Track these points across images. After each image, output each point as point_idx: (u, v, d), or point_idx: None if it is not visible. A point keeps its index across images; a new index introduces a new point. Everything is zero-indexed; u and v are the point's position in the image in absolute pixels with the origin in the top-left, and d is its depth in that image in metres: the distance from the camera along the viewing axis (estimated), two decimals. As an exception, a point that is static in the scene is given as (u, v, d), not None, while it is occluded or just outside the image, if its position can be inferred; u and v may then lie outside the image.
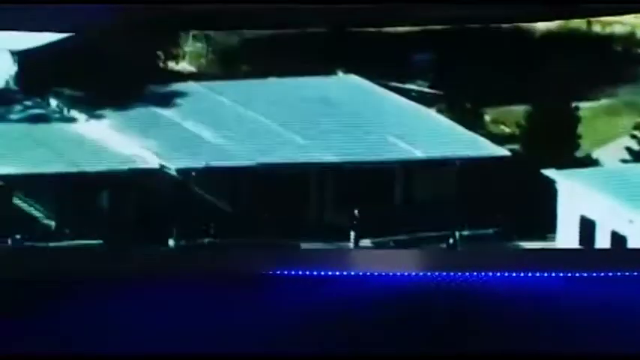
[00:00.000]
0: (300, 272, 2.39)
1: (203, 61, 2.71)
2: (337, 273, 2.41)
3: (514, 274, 2.35)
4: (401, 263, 2.41)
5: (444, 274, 2.35)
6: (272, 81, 2.70)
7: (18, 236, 2.67)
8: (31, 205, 2.69)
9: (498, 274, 2.36)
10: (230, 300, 2.29)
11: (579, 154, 2.58)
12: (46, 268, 2.46)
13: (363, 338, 2.20)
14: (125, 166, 2.67)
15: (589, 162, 2.57)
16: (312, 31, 2.61)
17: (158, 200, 2.65)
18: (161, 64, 2.72)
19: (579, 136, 2.59)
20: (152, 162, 2.66)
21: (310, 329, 2.22)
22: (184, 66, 2.71)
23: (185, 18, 2.55)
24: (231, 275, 2.34)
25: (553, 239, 2.53)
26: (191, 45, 2.70)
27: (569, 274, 2.37)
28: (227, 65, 2.71)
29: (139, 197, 2.67)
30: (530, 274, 2.35)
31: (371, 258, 2.49)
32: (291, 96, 2.71)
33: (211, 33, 2.67)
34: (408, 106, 2.67)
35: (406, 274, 2.37)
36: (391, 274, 2.37)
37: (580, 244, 2.52)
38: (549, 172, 2.54)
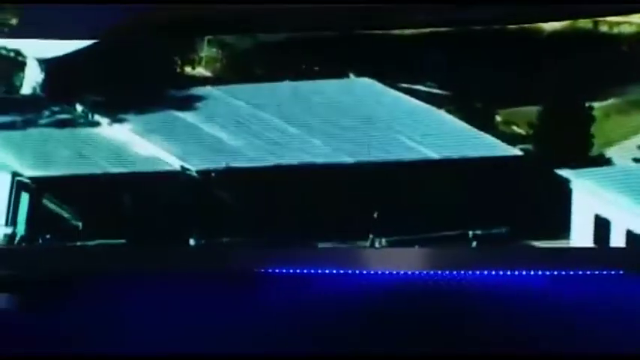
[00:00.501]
0: (302, 271, 2.42)
1: (218, 65, 2.76)
2: (339, 272, 2.41)
3: (516, 273, 2.34)
4: (401, 262, 2.42)
5: (445, 273, 2.36)
6: (286, 84, 2.74)
7: (48, 236, 2.77)
8: (59, 206, 2.77)
9: (499, 273, 2.36)
10: (229, 299, 2.33)
11: (591, 153, 2.54)
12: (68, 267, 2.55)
13: (363, 337, 2.21)
14: (148, 168, 2.75)
15: (601, 161, 2.54)
16: (323, 34, 2.65)
17: (180, 201, 2.72)
18: (178, 69, 2.78)
19: (591, 136, 2.56)
20: (173, 164, 2.74)
21: (310, 329, 2.24)
22: (200, 71, 2.76)
23: (199, 22, 2.61)
24: (231, 274, 2.39)
25: (567, 238, 2.51)
26: (206, 50, 2.76)
27: (571, 273, 2.35)
28: (242, 69, 2.74)
29: (161, 198, 2.73)
30: (531, 273, 2.34)
31: (374, 257, 2.49)
32: (306, 99, 2.74)
33: (226, 38, 2.73)
34: (420, 108, 2.66)
35: (404, 272, 2.38)
36: (391, 272, 2.38)
37: (594, 243, 2.50)
38: (562, 172, 2.52)
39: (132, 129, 2.71)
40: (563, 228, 2.49)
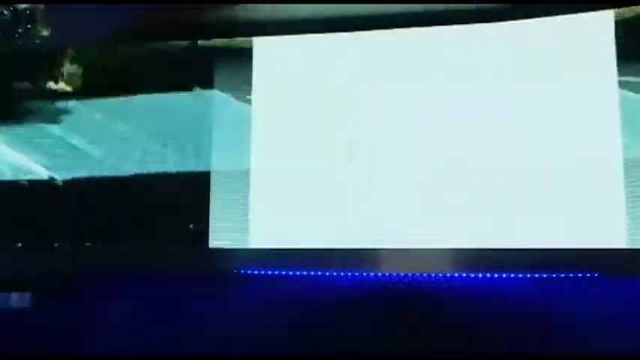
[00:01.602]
0: (299, 272, 2.43)
1: (80, 80, 2.75)
2: (336, 273, 2.41)
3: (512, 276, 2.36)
4: (389, 263, 2.40)
5: (443, 275, 2.36)
6: (141, 97, 2.72)
7: None
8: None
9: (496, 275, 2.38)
10: (219, 300, 2.37)
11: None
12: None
13: (361, 337, 2.24)
14: (17, 177, 2.77)
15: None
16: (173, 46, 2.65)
17: (45, 209, 2.73)
18: (42, 84, 2.77)
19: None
20: (41, 173, 2.75)
21: (294, 329, 2.27)
22: (63, 86, 2.75)
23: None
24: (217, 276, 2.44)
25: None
26: (69, 66, 2.74)
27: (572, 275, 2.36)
28: (101, 84, 2.73)
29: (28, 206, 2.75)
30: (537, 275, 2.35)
31: (377, 257, 2.45)
32: (158, 111, 2.70)
33: (85, 54, 2.72)
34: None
35: (389, 274, 2.38)
36: (380, 274, 2.38)
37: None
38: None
39: (2, 140, 2.76)
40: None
